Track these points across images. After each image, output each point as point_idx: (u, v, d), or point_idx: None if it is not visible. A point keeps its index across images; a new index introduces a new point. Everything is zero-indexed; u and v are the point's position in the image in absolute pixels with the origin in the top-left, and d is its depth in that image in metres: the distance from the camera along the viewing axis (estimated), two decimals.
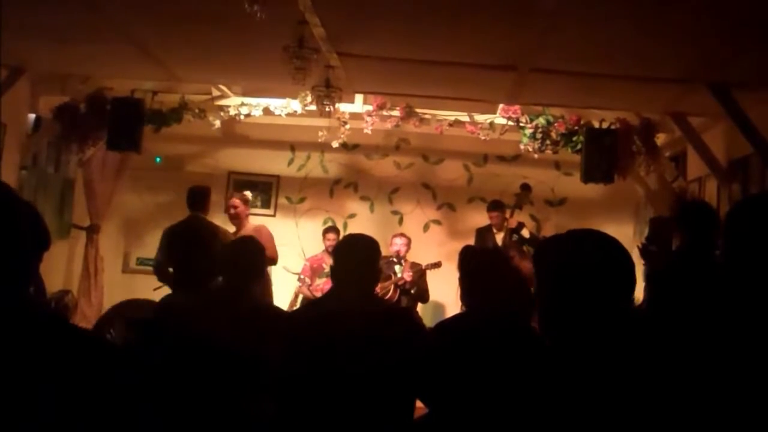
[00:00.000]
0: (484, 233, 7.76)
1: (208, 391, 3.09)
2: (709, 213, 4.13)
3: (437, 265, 7.55)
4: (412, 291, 7.49)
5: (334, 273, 3.33)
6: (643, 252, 4.75)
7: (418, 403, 3.16)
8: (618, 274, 1.77)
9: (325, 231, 7.97)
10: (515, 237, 7.42)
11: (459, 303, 3.43)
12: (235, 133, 8.68)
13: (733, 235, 2.11)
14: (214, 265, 4.13)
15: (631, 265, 1.81)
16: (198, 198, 6.47)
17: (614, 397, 1.64)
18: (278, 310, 3.90)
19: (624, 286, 1.77)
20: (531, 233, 7.64)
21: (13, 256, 1.52)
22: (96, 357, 1.56)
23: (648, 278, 3.60)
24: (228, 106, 7.57)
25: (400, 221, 8.87)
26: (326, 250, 7.67)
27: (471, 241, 7.48)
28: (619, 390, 1.65)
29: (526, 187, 7.61)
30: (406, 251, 7.66)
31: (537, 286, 1.83)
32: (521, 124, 7.29)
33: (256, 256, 3.74)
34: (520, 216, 7.66)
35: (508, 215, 7.59)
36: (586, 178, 6.89)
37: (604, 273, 1.76)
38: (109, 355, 1.61)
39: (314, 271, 7.67)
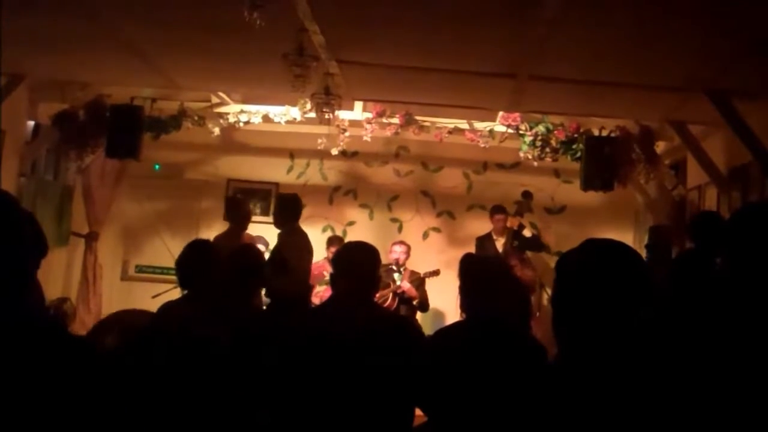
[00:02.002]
0: (484, 241, 7.74)
1: (204, 399, 3.08)
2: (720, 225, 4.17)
3: (435, 273, 7.52)
4: (414, 303, 7.45)
5: (334, 281, 3.33)
6: (650, 260, 4.78)
7: (418, 411, 3.15)
8: (636, 285, 1.76)
9: (329, 243, 7.89)
10: (516, 243, 7.41)
11: (459, 311, 3.42)
12: (234, 141, 8.67)
13: (734, 243, 2.11)
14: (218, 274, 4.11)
15: (649, 277, 1.80)
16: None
17: (619, 408, 1.63)
18: (278, 317, 3.89)
19: (640, 296, 1.77)
20: (532, 233, 7.65)
21: (12, 263, 1.51)
22: (92, 365, 1.55)
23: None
24: (227, 114, 7.57)
25: (400, 229, 8.85)
26: (327, 258, 7.64)
27: (470, 249, 7.45)
28: (625, 401, 1.63)
29: (527, 195, 7.59)
30: (406, 259, 7.63)
31: (555, 293, 1.82)
32: (521, 132, 7.29)
33: (257, 264, 3.73)
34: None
35: (508, 223, 7.58)
36: (586, 185, 6.89)
37: (623, 283, 1.75)
38: (105, 363, 1.60)
39: (314, 279, 7.63)
